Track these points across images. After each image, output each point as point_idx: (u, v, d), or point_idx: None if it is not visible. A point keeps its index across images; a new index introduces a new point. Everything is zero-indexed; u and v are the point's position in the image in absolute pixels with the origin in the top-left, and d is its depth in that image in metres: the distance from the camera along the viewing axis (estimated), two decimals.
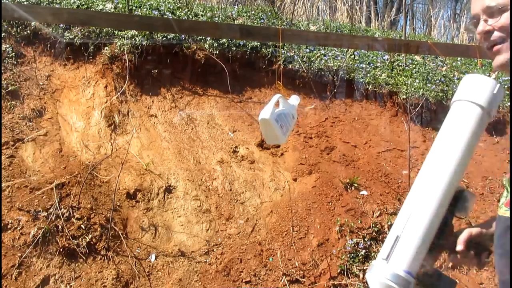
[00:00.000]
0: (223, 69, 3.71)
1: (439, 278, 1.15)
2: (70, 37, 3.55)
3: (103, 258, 2.71)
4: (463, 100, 1.15)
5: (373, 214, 3.26)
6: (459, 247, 1.21)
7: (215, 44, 3.78)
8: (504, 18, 1.05)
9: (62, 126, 3.25)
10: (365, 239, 3.09)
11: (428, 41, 4.55)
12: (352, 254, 3.03)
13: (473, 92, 1.14)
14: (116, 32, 3.63)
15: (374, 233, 3.13)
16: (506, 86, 4.66)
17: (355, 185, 3.40)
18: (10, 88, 3.21)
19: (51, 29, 3.57)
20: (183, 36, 3.72)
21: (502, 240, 1.12)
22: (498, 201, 1.11)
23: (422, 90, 4.19)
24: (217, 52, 3.77)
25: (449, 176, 1.11)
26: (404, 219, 1.11)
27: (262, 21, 4.44)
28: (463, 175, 1.16)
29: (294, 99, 1.61)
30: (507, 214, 1.12)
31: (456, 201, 1.15)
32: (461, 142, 1.13)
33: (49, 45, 3.56)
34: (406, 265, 1.08)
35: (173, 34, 3.67)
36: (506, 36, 1.05)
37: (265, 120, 1.47)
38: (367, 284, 1.15)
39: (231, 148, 3.52)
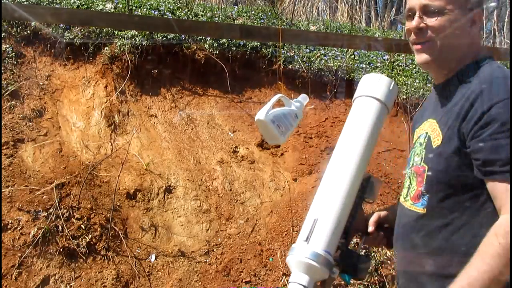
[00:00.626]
0: (223, 69, 3.71)
1: (357, 257, 1.23)
2: (70, 37, 3.55)
3: (103, 258, 2.71)
4: (364, 96, 1.26)
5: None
6: (370, 228, 1.31)
7: (215, 44, 3.78)
8: (438, 20, 1.09)
9: (62, 126, 3.25)
10: None
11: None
12: None
13: (372, 89, 1.24)
14: (116, 32, 3.63)
15: None
16: None
17: None
18: (10, 88, 3.21)
19: (51, 29, 3.57)
20: (183, 36, 3.72)
21: (405, 231, 1.20)
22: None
23: (422, 90, 4.19)
24: (217, 52, 3.77)
25: (356, 163, 1.20)
26: (320, 203, 1.19)
27: (262, 21, 4.44)
28: (368, 162, 1.24)
29: (302, 98, 1.59)
30: (413, 208, 1.18)
31: (364, 186, 1.26)
32: (364, 133, 1.23)
33: (49, 45, 3.56)
34: (325, 245, 1.14)
35: (173, 34, 3.67)
36: (434, 37, 1.11)
37: (259, 120, 1.47)
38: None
39: (231, 148, 3.52)
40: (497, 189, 1.01)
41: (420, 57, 1.16)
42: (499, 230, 0.98)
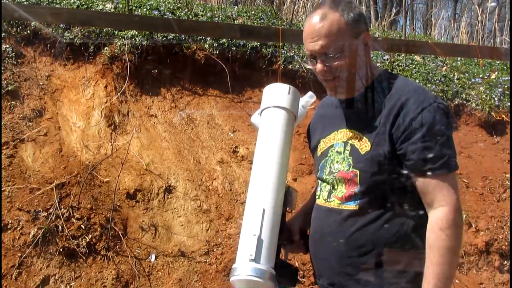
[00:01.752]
0: (223, 69, 3.71)
1: (289, 267, 1.29)
2: (70, 37, 3.55)
3: (103, 258, 2.71)
4: (268, 107, 1.32)
5: None
6: (296, 237, 1.39)
7: (215, 44, 3.78)
8: (338, 60, 1.21)
9: (62, 126, 3.25)
10: None
11: (428, 41, 4.55)
12: None
13: (274, 98, 1.31)
14: (116, 32, 3.63)
15: None
16: (506, 86, 4.66)
17: None
18: (10, 88, 3.21)
19: (51, 29, 3.57)
20: (183, 36, 3.72)
21: (331, 230, 1.28)
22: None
23: None
24: (217, 52, 3.77)
25: (279, 173, 1.24)
26: (258, 217, 1.19)
27: (262, 21, 4.44)
28: (287, 168, 1.29)
29: (307, 97, 1.58)
30: (343, 206, 1.26)
31: (285, 197, 1.28)
32: (277, 141, 1.27)
33: (49, 45, 3.56)
34: (268, 261, 1.16)
35: (173, 34, 3.67)
36: (340, 73, 1.23)
37: (251, 122, 1.49)
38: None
39: (231, 148, 3.52)
40: (429, 185, 1.15)
41: (332, 91, 1.30)
42: (442, 223, 1.12)
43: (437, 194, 1.15)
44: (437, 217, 1.14)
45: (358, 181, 1.24)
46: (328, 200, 1.31)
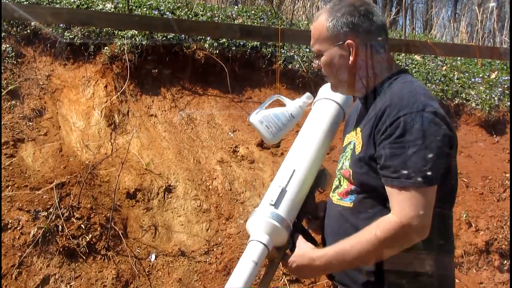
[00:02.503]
0: (223, 69, 3.71)
1: (308, 234, 1.35)
2: (70, 37, 3.55)
3: (103, 257, 2.71)
4: (323, 99, 1.47)
5: None
6: (321, 213, 1.44)
7: (215, 44, 3.78)
8: (322, 61, 1.28)
9: (62, 126, 3.25)
10: None
11: (428, 41, 4.56)
12: None
13: (329, 93, 1.43)
14: (116, 32, 3.63)
15: None
16: (506, 86, 4.66)
17: None
18: (10, 88, 3.21)
19: (51, 29, 3.57)
20: (183, 36, 3.72)
21: (332, 222, 1.34)
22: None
23: None
24: (217, 52, 3.77)
25: (316, 150, 1.38)
26: (286, 175, 1.33)
27: (262, 21, 4.44)
28: (325, 152, 1.43)
29: (304, 98, 1.60)
30: (340, 202, 1.32)
31: (319, 176, 1.41)
32: (323, 126, 1.42)
33: (49, 45, 3.56)
34: (288, 213, 1.28)
35: (173, 34, 3.67)
36: (326, 73, 1.31)
37: (249, 121, 1.51)
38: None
39: (231, 148, 3.52)
40: (389, 192, 1.15)
41: (330, 87, 1.37)
42: (382, 224, 1.12)
43: (393, 203, 1.13)
44: (385, 220, 1.13)
45: (351, 180, 1.28)
46: (333, 194, 1.38)
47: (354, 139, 1.30)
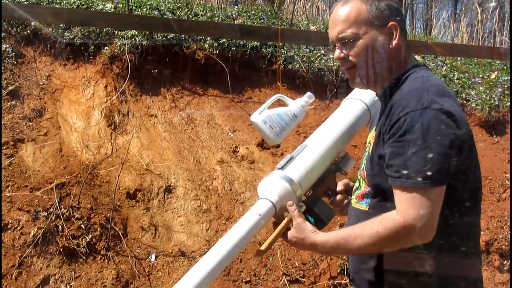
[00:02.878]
0: (223, 69, 3.71)
1: (322, 204, 1.37)
2: (70, 37, 3.55)
3: (103, 258, 2.71)
4: (352, 98, 1.50)
5: None
6: (339, 187, 1.44)
7: (215, 44, 3.78)
8: (356, 47, 1.18)
9: (62, 126, 3.25)
10: None
11: (428, 41, 4.56)
12: None
13: (360, 93, 1.48)
14: (116, 32, 3.63)
15: None
16: (506, 86, 4.66)
17: None
18: (10, 88, 3.21)
19: (51, 29, 3.57)
20: (183, 36, 3.72)
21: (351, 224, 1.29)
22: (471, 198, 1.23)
23: None
24: (217, 52, 3.77)
25: (337, 135, 1.42)
26: (300, 148, 1.39)
27: (262, 21, 4.44)
28: (345, 141, 1.46)
29: (307, 97, 1.60)
30: (357, 206, 1.30)
31: (342, 158, 1.46)
32: (347, 119, 1.45)
33: (49, 45, 3.56)
34: (298, 177, 1.30)
35: (173, 34, 3.67)
36: (357, 62, 1.20)
37: (252, 121, 1.50)
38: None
39: (231, 148, 3.52)
40: (394, 191, 1.12)
41: (352, 81, 1.26)
42: (384, 221, 1.10)
43: (397, 202, 1.11)
44: (388, 217, 1.11)
45: (367, 182, 1.25)
46: (352, 196, 1.35)
47: (371, 139, 1.28)
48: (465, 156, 1.11)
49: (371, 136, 1.29)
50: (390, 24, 1.18)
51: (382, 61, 1.20)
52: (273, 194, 1.28)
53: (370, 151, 1.23)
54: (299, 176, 1.30)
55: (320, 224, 1.33)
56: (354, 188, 1.36)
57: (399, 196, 1.10)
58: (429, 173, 1.05)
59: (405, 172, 1.07)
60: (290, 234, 1.26)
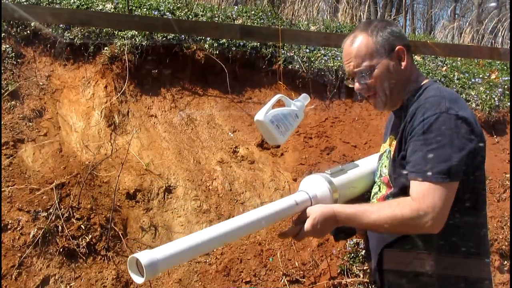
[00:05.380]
0: (223, 69, 3.71)
1: None
2: (70, 37, 3.55)
3: (103, 258, 2.71)
4: None
5: None
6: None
7: (215, 44, 3.78)
8: (372, 78, 1.32)
9: (62, 126, 3.25)
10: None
11: (428, 41, 4.56)
12: (352, 254, 3.03)
13: None
14: (116, 32, 3.63)
15: None
16: (506, 86, 4.66)
17: None
18: (10, 88, 3.21)
19: (51, 29, 3.57)
20: (183, 36, 3.72)
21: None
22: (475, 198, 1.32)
23: None
24: (217, 52, 3.77)
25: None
26: (352, 165, 1.49)
27: (262, 21, 4.44)
28: None
29: (303, 98, 1.61)
30: None
31: None
32: None
33: (49, 45, 3.56)
34: (341, 184, 1.40)
35: (173, 34, 3.67)
36: (376, 90, 1.34)
37: (259, 121, 1.49)
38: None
39: (231, 148, 3.52)
40: (411, 184, 1.23)
41: (377, 106, 1.40)
42: (402, 204, 1.21)
43: (413, 191, 1.21)
44: (406, 201, 1.21)
45: (391, 184, 1.35)
46: (372, 200, 1.45)
47: (390, 147, 1.40)
48: (478, 162, 1.25)
49: (388, 145, 1.43)
50: (397, 48, 1.32)
51: (397, 83, 1.33)
52: (313, 189, 1.37)
53: (393, 156, 1.34)
54: (341, 185, 1.40)
55: (340, 236, 1.42)
56: (373, 193, 1.46)
57: (415, 187, 1.20)
58: (443, 169, 1.17)
59: (422, 166, 1.19)
60: (309, 211, 1.31)
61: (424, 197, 1.18)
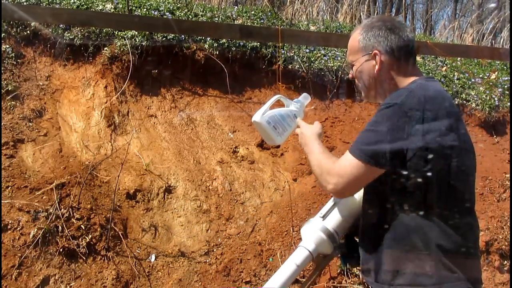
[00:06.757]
0: (223, 69, 3.71)
1: (357, 247, 1.44)
2: (70, 37, 3.55)
3: (103, 258, 2.71)
4: None
5: None
6: None
7: (215, 45, 3.78)
8: (354, 71, 1.46)
9: (62, 127, 3.25)
10: None
11: (428, 41, 4.56)
12: None
13: None
14: (116, 33, 3.63)
15: None
16: (506, 86, 4.66)
17: None
18: (10, 89, 3.21)
19: (51, 30, 3.57)
20: (183, 36, 3.72)
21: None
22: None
23: None
24: (217, 53, 3.77)
25: None
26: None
27: (262, 21, 4.44)
28: None
29: (303, 98, 1.61)
30: None
31: None
32: None
33: (49, 45, 3.56)
34: (336, 226, 1.45)
35: (173, 35, 3.67)
36: (359, 82, 1.47)
37: (256, 122, 1.49)
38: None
39: (231, 148, 3.52)
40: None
41: (362, 96, 1.52)
42: (331, 161, 1.35)
43: (341, 158, 1.34)
44: (334, 161, 1.36)
45: None
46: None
47: None
48: (431, 162, 1.24)
49: None
50: (373, 52, 1.40)
51: (373, 82, 1.42)
52: (312, 244, 1.45)
53: None
54: (336, 225, 1.46)
55: (352, 264, 1.53)
56: None
57: (343, 156, 1.32)
58: (368, 149, 1.26)
59: (355, 143, 1.31)
60: (303, 127, 1.53)
61: (340, 163, 1.31)
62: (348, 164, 1.28)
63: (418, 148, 1.23)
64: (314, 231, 1.45)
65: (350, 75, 1.51)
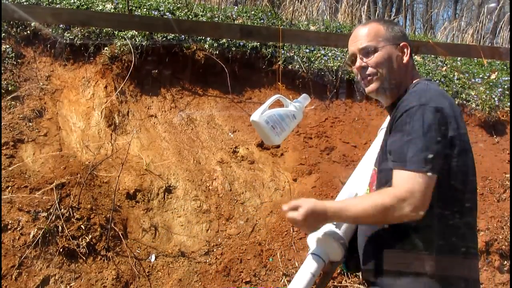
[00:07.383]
0: (223, 69, 3.71)
1: (353, 252, 1.44)
2: (70, 37, 3.55)
3: (103, 258, 2.71)
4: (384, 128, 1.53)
5: None
6: None
7: (215, 45, 3.78)
8: (375, 57, 1.37)
9: (62, 127, 3.25)
10: None
11: (429, 41, 4.55)
12: None
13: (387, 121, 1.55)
14: (116, 33, 3.63)
15: None
16: (506, 86, 4.66)
17: None
18: (10, 88, 3.21)
19: (51, 30, 3.57)
20: (183, 36, 3.72)
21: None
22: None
23: None
24: (217, 52, 3.77)
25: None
26: (350, 196, 1.53)
27: (262, 21, 4.44)
28: None
29: (303, 98, 1.60)
30: None
31: None
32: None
33: (49, 45, 3.56)
34: (345, 233, 1.44)
35: (173, 35, 3.67)
36: (375, 71, 1.38)
37: (254, 121, 1.49)
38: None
39: (231, 148, 3.52)
40: (393, 172, 1.25)
41: (368, 88, 1.42)
42: (382, 192, 1.25)
43: (394, 180, 1.24)
44: (386, 191, 1.24)
45: (377, 179, 1.39)
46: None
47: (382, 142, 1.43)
48: (459, 154, 1.26)
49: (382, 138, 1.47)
50: (402, 44, 1.40)
51: (394, 73, 1.38)
52: (324, 251, 1.43)
53: (381, 148, 1.39)
54: (346, 232, 1.45)
55: (353, 270, 1.54)
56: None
57: (395, 175, 1.24)
58: (421, 158, 1.20)
59: (402, 156, 1.23)
60: (302, 203, 1.29)
61: (403, 184, 1.20)
62: (410, 180, 1.20)
63: (458, 147, 1.25)
64: (328, 240, 1.42)
65: (359, 64, 1.40)
